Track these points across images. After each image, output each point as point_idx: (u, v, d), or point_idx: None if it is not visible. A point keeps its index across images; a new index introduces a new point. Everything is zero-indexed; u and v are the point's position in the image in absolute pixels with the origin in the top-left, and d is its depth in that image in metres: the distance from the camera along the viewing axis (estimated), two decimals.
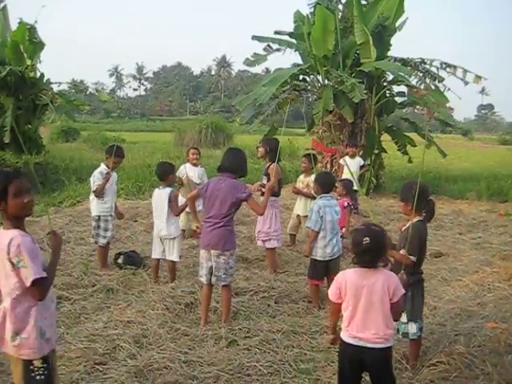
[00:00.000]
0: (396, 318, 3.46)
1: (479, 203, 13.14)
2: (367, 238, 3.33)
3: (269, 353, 4.57)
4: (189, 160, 8.57)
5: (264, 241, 6.99)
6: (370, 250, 3.31)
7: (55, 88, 15.48)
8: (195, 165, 8.52)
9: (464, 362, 4.36)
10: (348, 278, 3.36)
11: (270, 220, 6.92)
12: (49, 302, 3.04)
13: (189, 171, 8.33)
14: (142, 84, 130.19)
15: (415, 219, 4.29)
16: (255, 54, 15.76)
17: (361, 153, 12.98)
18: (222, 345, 4.71)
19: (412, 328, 4.30)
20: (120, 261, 6.79)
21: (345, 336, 3.38)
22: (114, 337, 4.75)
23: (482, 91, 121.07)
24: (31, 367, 2.92)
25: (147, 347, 4.61)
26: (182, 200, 7.11)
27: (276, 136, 14.05)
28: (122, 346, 4.57)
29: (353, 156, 10.39)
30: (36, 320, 2.93)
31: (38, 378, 2.93)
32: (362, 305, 3.30)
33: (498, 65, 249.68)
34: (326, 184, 6.07)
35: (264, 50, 15.66)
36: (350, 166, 9.43)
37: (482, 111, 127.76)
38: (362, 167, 10.49)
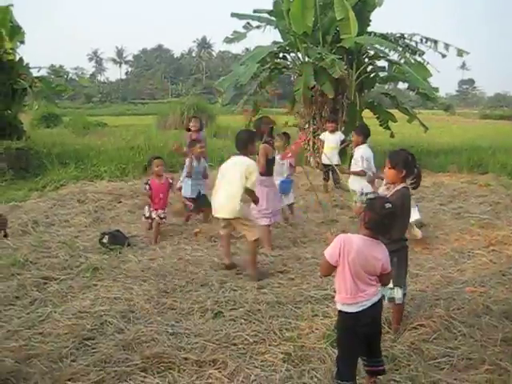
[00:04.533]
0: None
1: (460, 175, 13.32)
2: (389, 204, 3.37)
3: (254, 323, 4.67)
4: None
5: (256, 218, 6.98)
6: (392, 215, 3.37)
7: (34, 73, 15.26)
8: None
9: (443, 324, 4.51)
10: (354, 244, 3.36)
11: (261, 198, 6.81)
12: None
13: None
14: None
15: (401, 186, 4.37)
16: (235, 31, 15.71)
17: (342, 129, 13.10)
18: (208, 317, 4.80)
19: (398, 293, 4.40)
20: (105, 240, 6.82)
21: None
22: (102, 313, 4.81)
23: (463, 66, 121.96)
24: None
25: (134, 322, 4.68)
26: None
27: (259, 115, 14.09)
28: (109, 322, 4.64)
29: (333, 131, 10.46)
30: None
31: None
32: None
33: (478, 39, 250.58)
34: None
35: (243, 27, 15.62)
36: (331, 141, 9.56)
37: (463, 86, 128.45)
38: (342, 142, 10.56)
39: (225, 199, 5.89)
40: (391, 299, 4.44)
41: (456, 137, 24.74)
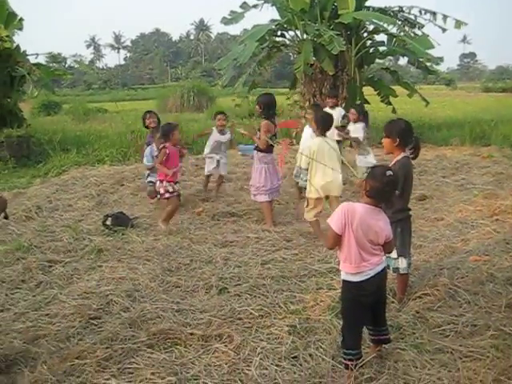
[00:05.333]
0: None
1: (463, 148, 13.27)
2: (390, 172, 3.36)
3: (259, 297, 4.69)
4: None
5: (254, 195, 7.10)
6: (393, 183, 3.37)
7: (32, 60, 15.20)
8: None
9: (448, 293, 4.52)
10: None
11: (259, 175, 6.98)
12: None
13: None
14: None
15: (400, 156, 4.34)
16: (232, 11, 15.54)
17: (343, 105, 13.00)
18: (212, 293, 4.82)
19: (402, 263, 4.41)
20: (108, 222, 6.83)
21: None
22: (107, 293, 4.83)
23: (464, 40, 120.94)
24: None
25: (140, 300, 4.70)
26: None
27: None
28: (115, 301, 4.67)
29: (333, 107, 10.35)
30: None
31: None
32: None
33: (479, 12, 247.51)
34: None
35: (241, 7, 15.45)
36: None
37: (465, 60, 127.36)
38: (343, 117, 10.45)
39: (334, 177, 6.19)
40: (396, 269, 4.44)
41: (458, 110, 24.56)
